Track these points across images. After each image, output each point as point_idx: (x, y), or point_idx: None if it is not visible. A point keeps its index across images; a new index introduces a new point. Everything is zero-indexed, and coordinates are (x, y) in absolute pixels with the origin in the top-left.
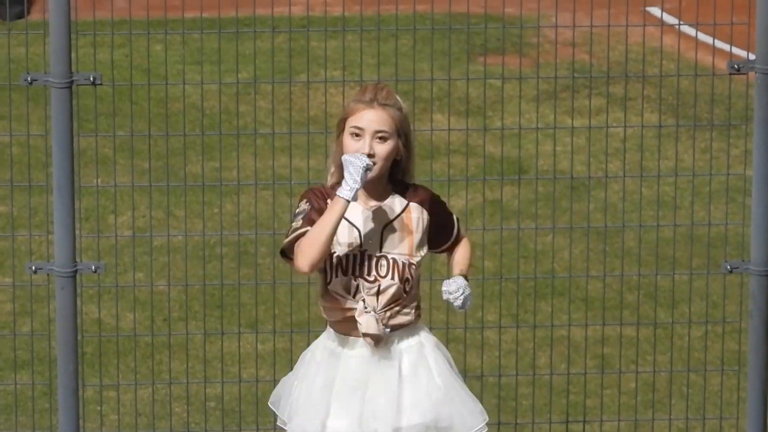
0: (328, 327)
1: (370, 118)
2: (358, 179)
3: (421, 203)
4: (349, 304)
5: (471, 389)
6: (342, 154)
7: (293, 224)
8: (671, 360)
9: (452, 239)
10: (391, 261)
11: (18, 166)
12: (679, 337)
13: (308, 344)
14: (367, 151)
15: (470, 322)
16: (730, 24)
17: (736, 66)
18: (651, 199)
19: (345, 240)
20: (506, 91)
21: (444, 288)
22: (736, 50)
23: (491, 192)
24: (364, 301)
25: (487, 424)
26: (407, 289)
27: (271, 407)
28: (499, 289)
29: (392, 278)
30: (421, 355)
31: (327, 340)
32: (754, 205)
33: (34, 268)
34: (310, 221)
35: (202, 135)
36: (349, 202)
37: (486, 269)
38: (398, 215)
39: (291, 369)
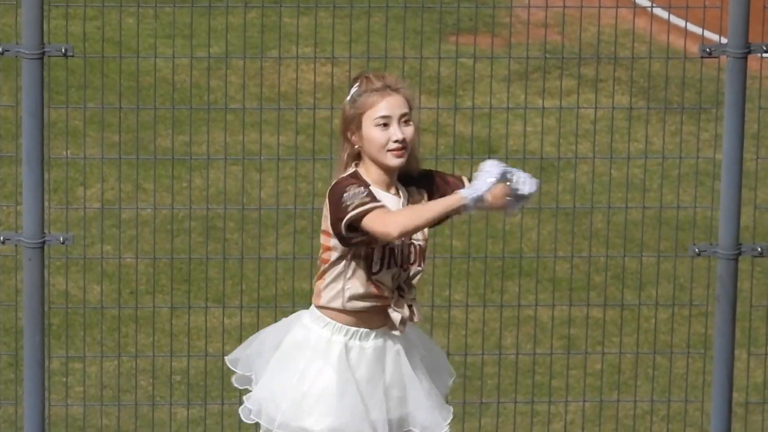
0: (328, 320)
1: (393, 104)
2: (487, 188)
3: (417, 183)
4: (387, 293)
5: None
6: (363, 147)
7: (356, 202)
8: (637, 342)
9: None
10: (417, 247)
11: None
12: (646, 319)
13: (275, 319)
14: (401, 136)
15: (437, 301)
16: (703, 7)
17: (707, 49)
18: (620, 181)
19: None
20: (477, 70)
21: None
22: (708, 34)
23: (460, 171)
24: (399, 289)
25: (452, 402)
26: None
27: (230, 365)
28: (466, 268)
29: (419, 264)
30: (416, 339)
31: (333, 334)
32: (722, 189)
33: (1, 238)
34: (374, 198)
35: (172, 109)
36: (464, 207)
37: (454, 248)
38: (410, 199)
39: None
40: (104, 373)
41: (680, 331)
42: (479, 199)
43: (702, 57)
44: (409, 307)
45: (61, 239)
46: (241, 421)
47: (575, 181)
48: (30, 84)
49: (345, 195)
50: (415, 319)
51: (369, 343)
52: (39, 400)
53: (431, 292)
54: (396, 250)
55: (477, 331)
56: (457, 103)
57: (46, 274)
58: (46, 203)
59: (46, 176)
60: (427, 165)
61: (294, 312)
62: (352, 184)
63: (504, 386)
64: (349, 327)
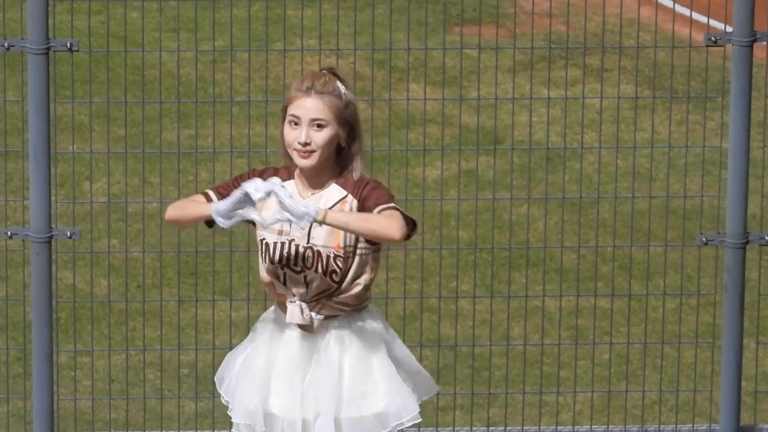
0: (275, 304)
1: (307, 107)
2: (229, 203)
3: (354, 192)
4: (281, 290)
5: (444, 359)
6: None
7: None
8: (645, 332)
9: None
10: (316, 253)
11: None
12: (653, 309)
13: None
14: (303, 139)
15: (444, 292)
16: None
17: (713, 38)
18: (626, 170)
19: (276, 227)
20: (482, 61)
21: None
22: (713, 22)
23: (466, 162)
24: (292, 290)
25: (460, 393)
26: (336, 280)
27: (217, 382)
28: (473, 259)
29: (316, 270)
30: (362, 344)
31: (274, 314)
32: (729, 178)
33: (9, 233)
34: (215, 188)
35: (177, 102)
36: (212, 218)
37: (461, 239)
38: (332, 206)
39: None
40: (112, 367)
41: (688, 320)
42: (221, 213)
43: (707, 46)
44: (304, 310)
45: (68, 234)
46: None
47: (581, 171)
48: (35, 79)
49: None
50: (295, 321)
51: (296, 331)
52: (47, 394)
53: (438, 283)
54: (271, 247)
55: (484, 322)
56: (463, 94)
57: (53, 269)
58: (52, 198)
59: (52, 171)
60: (434, 156)
61: None
62: (243, 175)
63: (512, 377)
64: (280, 311)
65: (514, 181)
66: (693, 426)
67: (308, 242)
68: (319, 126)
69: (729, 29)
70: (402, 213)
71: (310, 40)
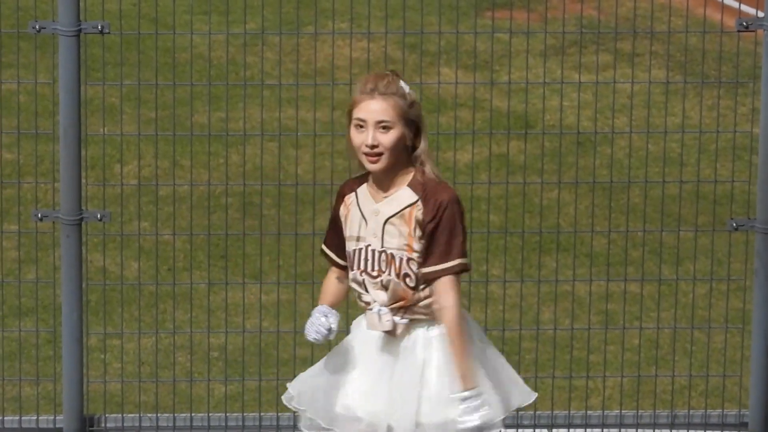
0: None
1: (372, 109)
2: (320, 337)
3: (426, 198)
4: (367, 297)
5: None
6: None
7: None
8: (675, 317)
9: (431, 260)
10: (389, 255)
11: (25, 114)
12: (684, 294)
13: (312, 296)
14: (370, 142)
15: (475, 276)
16: None
17: (744, 23)
18: (657, 155)
19: (355, 234)
20: (514, 45)
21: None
22: (744, 8)
23: (497, 146)
24: (373, 296)
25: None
26: (409, 284)
27: (292, 405)
28: (503, 243)
29: (389, 274)
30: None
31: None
32: (760, 163)
33: (39, 215)
34: (329, 232)
35: (209, 85)
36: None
37: (491, 223)
38: (403, 209)
39: (294, 320)
40: (142, 350)
41: (718, 305)
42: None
43: (739, 31)
44: (383, 317)
45: (99, 216)
46: (278, 397)
47: (612, 156)
48: (66, 61)
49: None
50: (375, 329)
51: (379, 331)
52: (77, 376)
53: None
54: (353, 254)
55: (515, 306)
56: (494, 78)
57: (83, 251)
58: (83, 180)
59: (83, 153)
60: (465, 140)
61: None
62: (335, 206)
63: (542, 361)
64: (364, 318)
65: (545, 166)
66: (722, 411)
67: (382, 246)
68: (385, 128)
69: (761, 14)
70: (458, 267)
71: (342, 24)
